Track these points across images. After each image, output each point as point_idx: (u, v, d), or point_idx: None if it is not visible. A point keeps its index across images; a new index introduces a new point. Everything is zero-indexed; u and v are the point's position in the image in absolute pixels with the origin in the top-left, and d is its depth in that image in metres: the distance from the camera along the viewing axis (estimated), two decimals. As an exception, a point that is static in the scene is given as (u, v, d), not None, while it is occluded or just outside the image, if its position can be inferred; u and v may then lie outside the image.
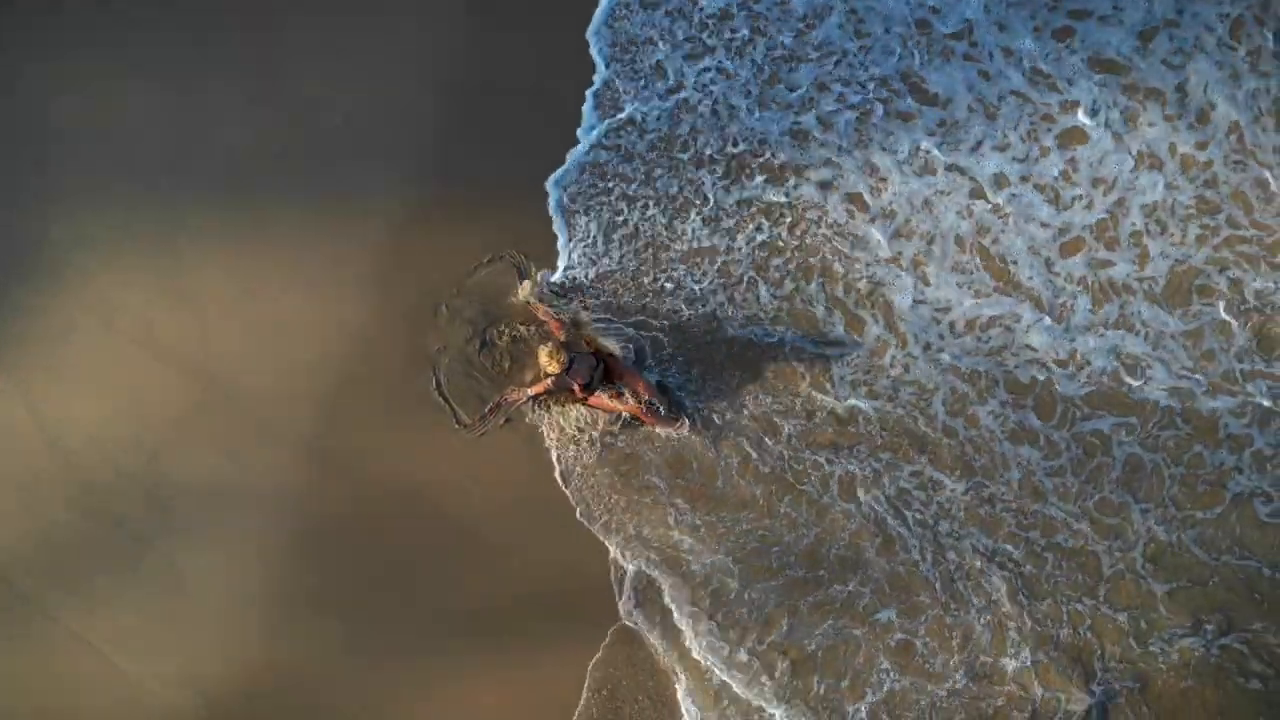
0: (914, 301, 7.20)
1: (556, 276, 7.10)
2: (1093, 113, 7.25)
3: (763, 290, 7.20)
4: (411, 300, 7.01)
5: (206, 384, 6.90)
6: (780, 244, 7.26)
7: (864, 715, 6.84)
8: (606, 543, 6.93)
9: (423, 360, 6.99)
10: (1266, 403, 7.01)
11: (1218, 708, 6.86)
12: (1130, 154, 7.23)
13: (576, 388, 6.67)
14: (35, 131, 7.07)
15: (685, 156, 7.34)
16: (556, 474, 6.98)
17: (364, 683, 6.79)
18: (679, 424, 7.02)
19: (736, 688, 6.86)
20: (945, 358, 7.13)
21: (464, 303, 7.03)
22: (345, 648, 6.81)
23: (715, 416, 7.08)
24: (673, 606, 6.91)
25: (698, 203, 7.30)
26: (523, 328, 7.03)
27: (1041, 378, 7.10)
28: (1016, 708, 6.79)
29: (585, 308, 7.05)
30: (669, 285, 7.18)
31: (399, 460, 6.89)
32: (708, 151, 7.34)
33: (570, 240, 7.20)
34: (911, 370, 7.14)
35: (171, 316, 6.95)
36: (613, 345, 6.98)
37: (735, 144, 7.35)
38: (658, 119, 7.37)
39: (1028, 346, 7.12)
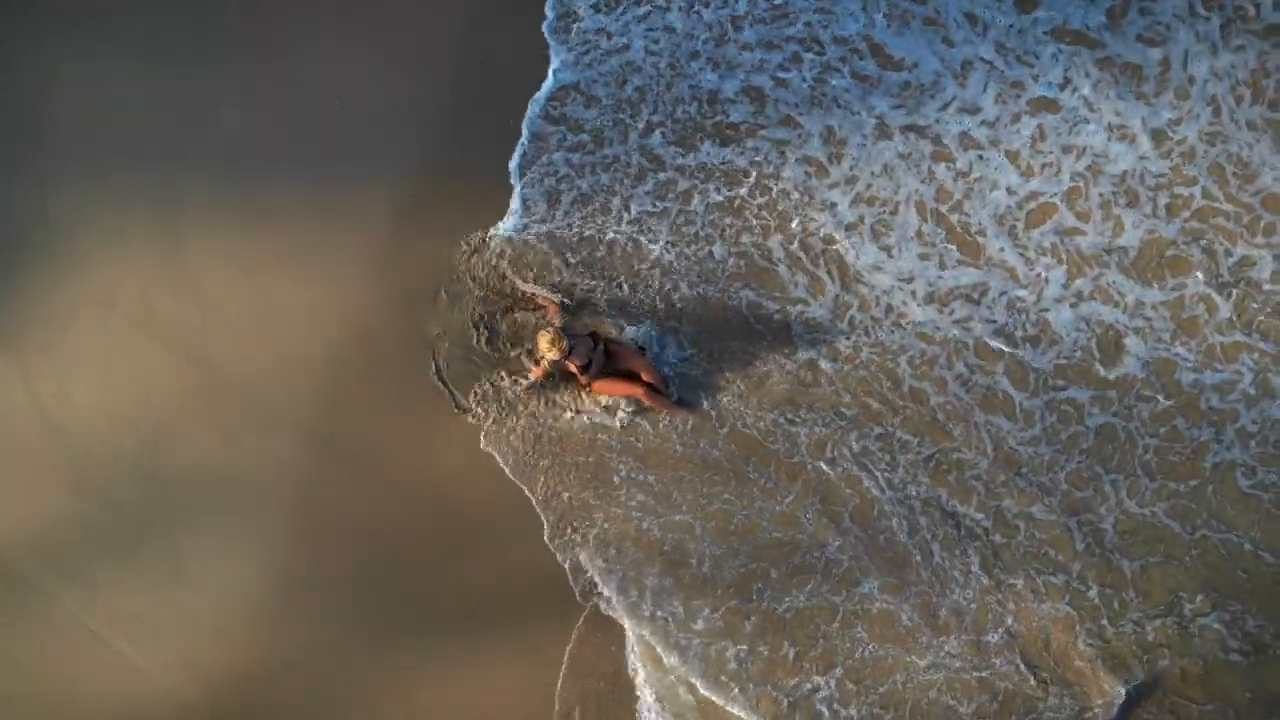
0: (876, 268, 7.11)
1: (505, 228, 7.10)
2: (1063, 85, 7.20)
3: (718, 248, 7.13)
4: (411, 285, 7.02)
5: (206, 367, 6.92)
6: (737, 206, 7.18)
7: (833, 687, 6.77)
8: (543, 515, 6.92)
9: (422, 345, 6.99)
10: (1250, 378, 6.94)
11: (1198, 681, 6.76)
12: (1103, 125, 7.16)
13: (574, 369, 6.62)
14: (34, 114, 7.10)
15: (634, 120, 7.27)
16: (488, 446, 6.96)
17: (363, 667, 6.79)
18: (684, 411, 6.97)
19: (673, 660, 6.79)
20: (912, 324, 7.06)
21: (463, 287, 7.03)
22: (345, 632, 6.81)
23: (679, 380, 7.04)
24: (597, 579, 6.88)
25: (650, 166, 7.23)
26: (523, 313, 7.04)
27: (1012, 349, 7.02)
28: (1000, 678, 6.73)
29: (596, 275, 7.04)
30: (623, 246, 7.13)
31: (398, 445, 6.91)
32: (657, 117, 7.27)
33: (522, 211, 7.16)
34: (875, 334, 7.06)
35: (171, 299, 6.97)
36: (610, 328, 6.96)
37: (687, 105, 7.28)
38: (604, 84, 7.31)
39: (990, 321, 7.05)
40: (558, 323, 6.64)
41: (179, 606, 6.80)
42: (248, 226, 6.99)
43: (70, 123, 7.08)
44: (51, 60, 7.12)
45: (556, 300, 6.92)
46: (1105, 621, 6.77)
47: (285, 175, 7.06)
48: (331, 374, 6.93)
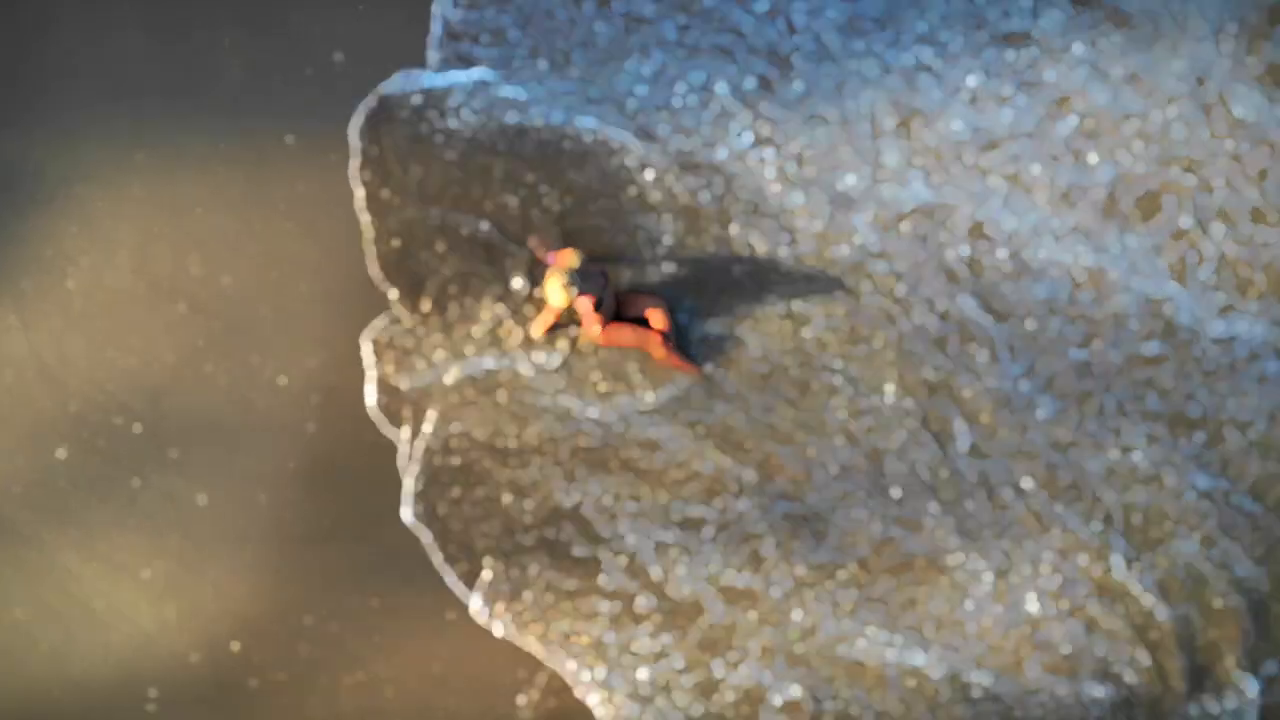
0: (827, 185, 6.91)
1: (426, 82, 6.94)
2: (1034, 14, 6.97)
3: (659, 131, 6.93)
4: (415, 235, 6.99)
5: (207, 318, 6.93)
6: (676, 130, 6.95)
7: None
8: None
9: (425, 297, 6.97)
10: (1260, 330, 6.78)
11: (1197, 619, 6.62)
12: (1084, 65, 6.92)
13: (589, 306, 6.20)
14: (30, 62, 7.08)
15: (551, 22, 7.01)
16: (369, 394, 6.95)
17: (366, 624, 6.80)
18: (699, 369, 6.74)
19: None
20: (863, 243, 6.88)
21: (468, 235, 6.98)
22: (347, 588, 6.81)
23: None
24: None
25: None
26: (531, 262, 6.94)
27: (988, 281, 6.86)
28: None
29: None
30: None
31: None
32: (573, 38, 7.01)
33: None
34: (825, 252, 6.89)
35: (171, 249, 6.97)
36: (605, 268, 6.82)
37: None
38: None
39: (957, 258, 6.89)
40: (576, 262, 6.26)
41: (179, 559, 6.83)
42: (248, 176, 7.00)
43: (68, 70, 7.08)
44: (49, 5, 7.10)
45: (559, 245, 6.78)
46: (1104, 556, 6.67)
47: (286, 123, 7.03)
48: (333, 323, 6.94)
